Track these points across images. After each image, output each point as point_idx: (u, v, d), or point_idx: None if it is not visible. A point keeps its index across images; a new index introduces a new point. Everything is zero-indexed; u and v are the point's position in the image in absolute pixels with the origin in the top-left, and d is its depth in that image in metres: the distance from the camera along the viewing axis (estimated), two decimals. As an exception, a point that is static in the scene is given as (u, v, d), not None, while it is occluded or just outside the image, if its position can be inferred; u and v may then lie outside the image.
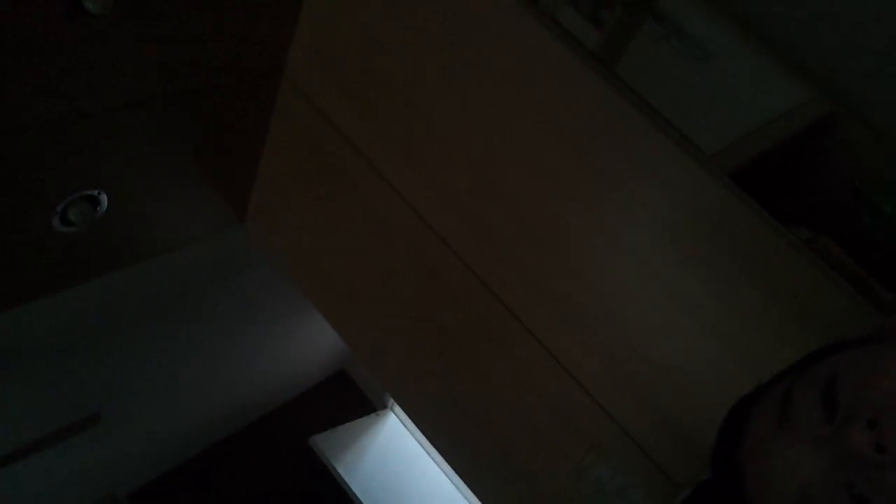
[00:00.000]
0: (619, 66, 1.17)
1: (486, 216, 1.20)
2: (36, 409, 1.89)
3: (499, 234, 1.20)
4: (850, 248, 1.08)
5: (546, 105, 1.07)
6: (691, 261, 1.00)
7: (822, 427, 0.53)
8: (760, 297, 0.96)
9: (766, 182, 1.06)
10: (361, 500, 2.73)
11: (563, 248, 1.13)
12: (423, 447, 3.12)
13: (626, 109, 0.99)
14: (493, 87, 1.12)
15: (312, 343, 3.07)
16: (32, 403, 1.86)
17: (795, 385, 0.57)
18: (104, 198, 1.29)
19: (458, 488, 3.02)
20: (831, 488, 0.52)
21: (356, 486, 2.76)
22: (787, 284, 0.94)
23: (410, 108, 1.23)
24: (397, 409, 3.21)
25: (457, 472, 1.48)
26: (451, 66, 1.15)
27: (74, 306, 1.63)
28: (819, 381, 0.55)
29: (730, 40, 1.20)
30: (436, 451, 2.90)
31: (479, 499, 1.45)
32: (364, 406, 3.34)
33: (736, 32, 1.22)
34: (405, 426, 3.17)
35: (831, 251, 1.05)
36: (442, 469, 3.06)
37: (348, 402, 3.35)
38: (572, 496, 1.24)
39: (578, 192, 1.08)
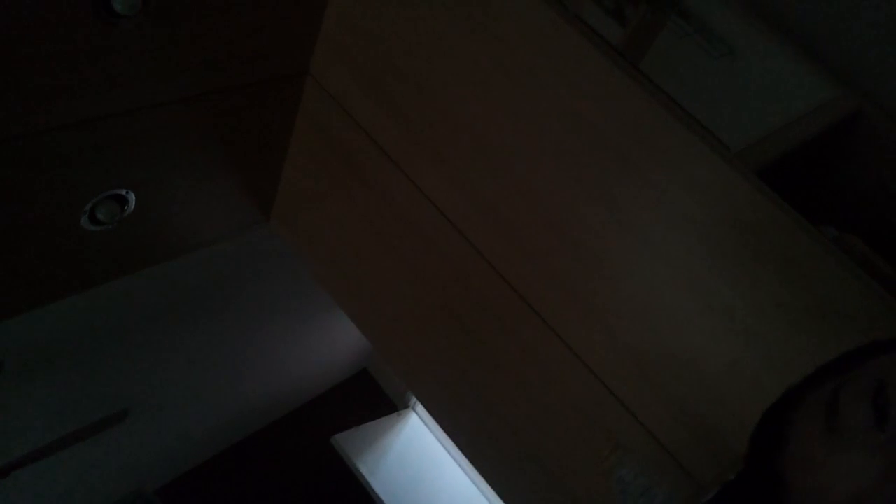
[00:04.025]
0: (643, 62, 1.16)
1: (512, 216, 1.20)
2: (64, 406, 1.91)
3: (524, 234, 1.20)
4: (879, 246, 1.06)
5: (570, 101, 1.07)
6: (718, 258, 0.99)
7: (873, 435, 0.52)
8: (787, 295, 0.95)
9: (794, 180, 1.05)
10: (383, 499, 2.74)
11: (588, 246, 1.12)
12: (444, 447, 3.12)
13: (650, 106, 0.98)
14: (517, 84, 1.12)
15: (336, 342, 3.08)
16: (60, 400, 1.88)
17: (841, 391, 0.55)
18: (132, 197, 1.30)
19: (479, 490, 3.02)
20: (886, 497, 0.51)
21: (378, 485, 2.77)
22: (814, 283, 0.93)
23: (435, 106, 1.24)
24: (419, 408, 3.22)
25: (480, 472, 1.48)
26: (475, 64, 1.16)
27: (103, 304, 1.66)
28: (868, 387, 0.53)
29: (755, 36, 1.19)
30: (458, 452, 2.90)
31: (503, 499, 1.45)
32: (386, 405, 3.35)
33: (761, 29, 1.21)
34: (427, 426, 3.18)
35: (859, 249, 1.04)
36: (464, 469, 3.06)
37: (371, 401, 3.36)
38: (597, 497, 1.24)
39: (603, 190, 1.07)
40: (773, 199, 0.93)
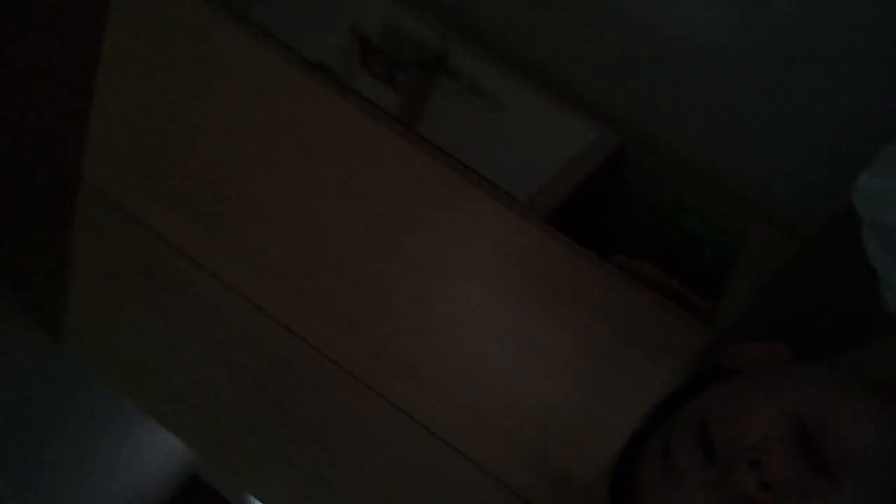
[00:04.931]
0: (420, 124, 1.19)
1: (320, 290, 1.18)
2: None
3: (335, 306, 1.18)
4: (665, 265, 1.14)
5: (357, 171, 1.07)
6: (525, 304, 1.03)
7: (705, 471, 0.54)
8: (594, 327, 0.99)
9: (580, 217, 1.11)
10: None
11: (400, 309, 1.12)
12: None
13: (436, 168, 1.01)
14: (301, 161, 1.11)
15: (159, 452, 2.89)
16: None
17: (673, 432, 0.58)
18: None
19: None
20: None
21: None
22: (615, 310, 0.98)
23: (219, 191, 1.19)
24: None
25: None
26: (255, 146, 1.13)
27: None
28: (692, 426, 0.56)
29: (519, 88, 1.26)
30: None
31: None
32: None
33: (524, 80, 1.28)
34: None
35: (647, 271, 1.11)
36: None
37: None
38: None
39: (407, 254, 1.08)
40: (561, 240, 0.98)
